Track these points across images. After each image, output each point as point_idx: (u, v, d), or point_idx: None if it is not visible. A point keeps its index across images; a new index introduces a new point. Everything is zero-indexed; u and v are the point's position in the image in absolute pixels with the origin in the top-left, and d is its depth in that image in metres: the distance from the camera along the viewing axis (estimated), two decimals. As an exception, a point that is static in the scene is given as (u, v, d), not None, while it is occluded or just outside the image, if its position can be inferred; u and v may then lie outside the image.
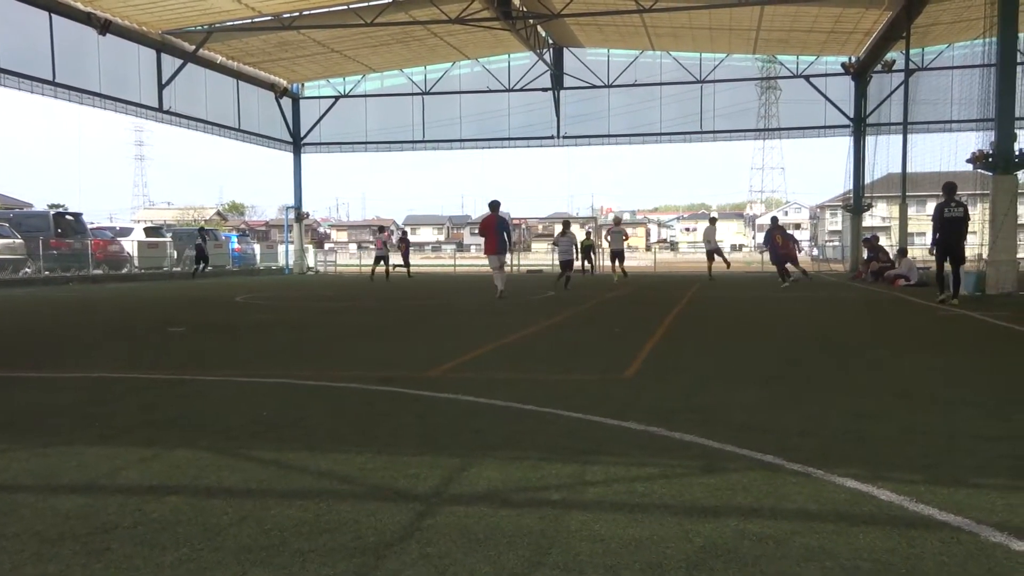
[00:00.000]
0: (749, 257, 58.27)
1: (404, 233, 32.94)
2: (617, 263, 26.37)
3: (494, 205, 17.56)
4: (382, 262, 29.44)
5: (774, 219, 22.93)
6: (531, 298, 18.19)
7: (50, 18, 24.24)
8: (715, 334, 10.31)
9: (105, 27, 25.67)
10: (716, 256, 25.75)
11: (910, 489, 3.66)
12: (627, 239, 27.62)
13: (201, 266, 31.22)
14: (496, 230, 17.38)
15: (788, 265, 21.58)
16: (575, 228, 28.86)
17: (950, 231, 14.17)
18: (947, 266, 14.67)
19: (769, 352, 8.41)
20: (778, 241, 21.37)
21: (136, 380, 6.81)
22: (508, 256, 17.94)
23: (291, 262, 37.95)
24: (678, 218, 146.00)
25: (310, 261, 40.03)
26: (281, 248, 40.84)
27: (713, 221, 27.15)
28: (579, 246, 30.74)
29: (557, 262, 22.46)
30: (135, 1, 24.90)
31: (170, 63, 28.94)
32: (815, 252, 39.41)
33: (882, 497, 3.56)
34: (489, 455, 4.26)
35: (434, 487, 3.74)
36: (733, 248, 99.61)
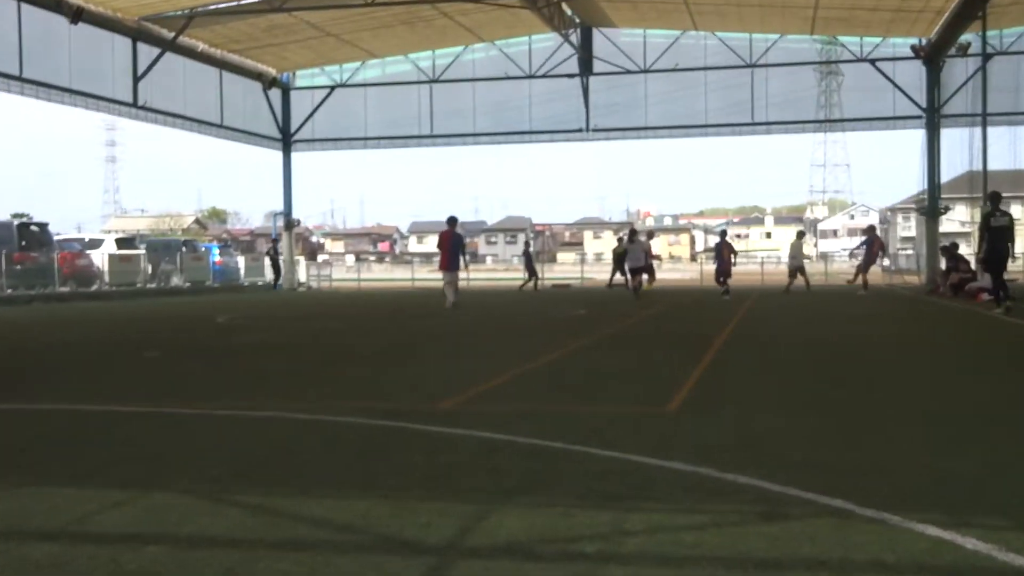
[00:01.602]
0: (812, 268, 58.01)
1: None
2: (645, 276, 27.39)
3: (451, 221, 20.45)
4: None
5: (724, 232, 27.10)
6: (558, 316, 18.17)
7: (18, 7, 24.56)
8: (773, 357, 10.26)
9: (77, 15, 26.01)
10: (799, 274, 26.93)
11: (998, 536, 3.63)
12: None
13: (277, 278, 34.85)
14: (451, 247, 20.03)
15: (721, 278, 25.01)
16: (608, 235, 30.14)
17: (999, 239, 15.77)
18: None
19: (834, 378, 8.37)
20: (726, 255, 24.99)
21: (108, 413, 6.86)
22: (461, 272, 21.14)
23: (280, 276, 38.15)
24: (727, 223, 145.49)
25: (302, 275, 40.22)
26: (268, 261, 41.07)
27: (801, 235, 28.16)
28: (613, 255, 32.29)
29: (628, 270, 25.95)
30: (108, -17, 25.24)
31: (147, 53, 29.27)
32: (886, 262, 39.10)
33: (967, 546, 3.53)
34: (511, 501, 4.25)
35: (448, 538, 3.74)
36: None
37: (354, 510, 4.14)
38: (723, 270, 25.18)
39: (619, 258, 32.24)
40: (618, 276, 31.59)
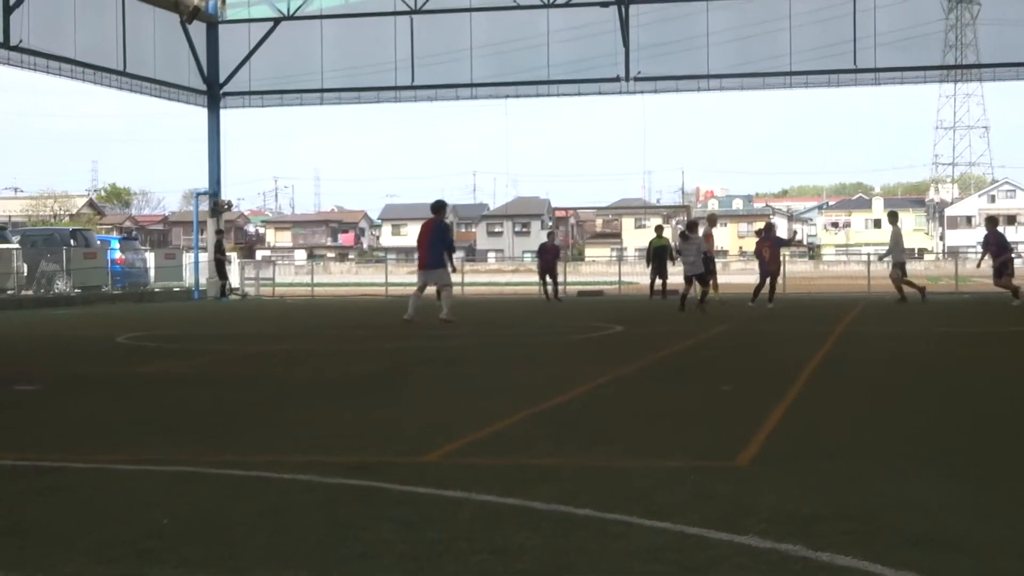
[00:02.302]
0: (937, 269, 57.81)
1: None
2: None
3: (436, 207, 21.02)
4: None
5: (769, 226, 27.23)
6: (586, 336, 18.16)
7: None
8: (882, 394, 10.25)
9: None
10: (901, 273, 26.81)
11: None
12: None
13: (225, 284, 35.26)
14: (430, 239, 20.37)
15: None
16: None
17: None
18: None
19: (963, 424, 8.36)
20: (765, 256, 25.57)
21: (-35, 468, 6.88)
22: (449, 274, 20.83)
23: (204, 280, 38.22)
24: (820, 207, 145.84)
25: (234, 278, 40.29)
26: (188, 258, 41.16)
27: (894, 218, 27.94)
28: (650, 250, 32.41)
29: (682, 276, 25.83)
30: None
31: (21, -26, 29.34)
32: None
33: None
34: (522, 589, 4.25)
35: (436, 640, 3.75)
36: (909, 255, 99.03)
37: (306, 602, 4.14)
38: (766, 271, 25.50)
39: (657, 254, 32.12)
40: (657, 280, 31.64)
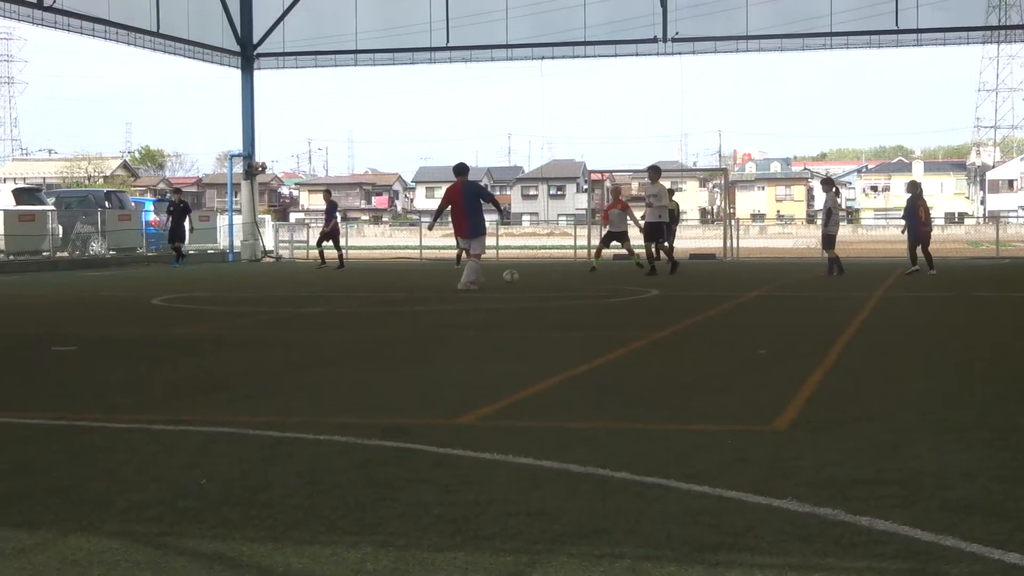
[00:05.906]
0: (978, 233, 57.40)
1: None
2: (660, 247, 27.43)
3: (459, 169, 19.51)
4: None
5: (915, 184, 25.81)
6: (621, 299, 18.13)
7: None
8: (921, 359, 10.20)
9: None
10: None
11: None
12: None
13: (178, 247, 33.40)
14: (465, 203, 19.09)
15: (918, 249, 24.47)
16: (670, 185, 29.11)
17: None
18: None
19: (1003, 389, 8.30)
20: (922, 216, 24.39)
21: (6, 427, 6.96)
22: (484, 243, 20.17)
23: (238, 242, 38.31)
24: (859, 170, 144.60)
25: (268, 241, 40.33)
26: (222, 221, 41.27)
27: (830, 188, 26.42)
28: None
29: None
30: None
31: (53, -69, 29.35)
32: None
33: None
34: (560, 551, 4.27)
35: (473, 600, 3.76)
36: (949, 219, 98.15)
37: (344, 562, 4.17)
38: (923, 238, 24.26)
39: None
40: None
